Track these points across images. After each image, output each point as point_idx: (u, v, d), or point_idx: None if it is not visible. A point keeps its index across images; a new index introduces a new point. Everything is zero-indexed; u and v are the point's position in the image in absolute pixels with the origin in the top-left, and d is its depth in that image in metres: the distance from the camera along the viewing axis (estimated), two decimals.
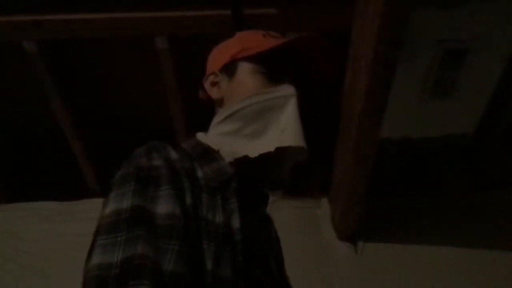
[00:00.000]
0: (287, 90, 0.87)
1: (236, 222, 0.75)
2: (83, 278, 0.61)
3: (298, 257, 1.95)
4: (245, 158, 0.84)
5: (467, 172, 2.21)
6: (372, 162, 1.79)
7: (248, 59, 0.91)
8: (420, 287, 1.98)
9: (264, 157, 0.84)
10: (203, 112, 1.00)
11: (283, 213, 2.10)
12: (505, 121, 2.02)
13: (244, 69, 0.91)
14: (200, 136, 0.92)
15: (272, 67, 0.90)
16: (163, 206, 0.67)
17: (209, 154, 0.84)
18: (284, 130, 0.85)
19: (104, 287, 0.59)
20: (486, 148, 2.11)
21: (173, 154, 0.76)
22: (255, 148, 0.85)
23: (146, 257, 0.61)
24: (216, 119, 0.93)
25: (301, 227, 2.16)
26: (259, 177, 0.90)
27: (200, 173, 0.78)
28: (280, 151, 0.85)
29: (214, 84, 0.96)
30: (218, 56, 0.98)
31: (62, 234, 2.13)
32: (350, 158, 1.82)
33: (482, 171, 2.20)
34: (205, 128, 0.95)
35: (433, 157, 2.16)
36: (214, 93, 0.96)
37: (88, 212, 2.10)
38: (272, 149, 0.84)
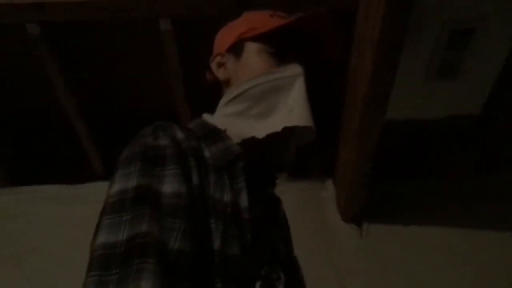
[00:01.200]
0: (295, 69, 0.87)
1: (244, 201, 0.75)
2: (89, 257, 0.62)
3: (303, 239, 1.85)
4: (252, 139, 0.84)
5: (471, 154, 2.19)
6: (376, 144, 1.79)
7: (255, 39, 0.90)
8: (423, 269, 1.98)
9: (272, 138, 0.84)
10: (206, 96, 1.00)
11: (288, 195, 2.05)
12: (511, 102, 2.00)
13: (251, 49, 0.91)
14: (207, 117, 0.92)
15: (279, 47, 0.89)
16: (169, 185, 0.67)
17: (216, 134, 0.84)
18: (291, 110, 0.84)
19: (109, 265, 0.59)
20: (491, 130, 2.10)
21: (180, 134, 0.75)
22: (262, 128, 0.84)
23: (151, 235, 0.61)
24: (223, 100, 0.92)
25: (306, 209, 2.16)
26: (266, 158, 0.90)
27: (207, 153, 0.78)
28: (287, 131, 0.85)
29: (220, 64, 0.96)
30: (225, 37, 0.98)
31: (68, 217, 2.14)
32: (354, 141, 1.82)
33: (486, 153, 2.19)
34: (208, 112, 0.95)
35: (438, 139, 2.15)
36: (220, 74, 0.95)
37: (94, 195, 2.11)
38: (279, 129, 0.83)
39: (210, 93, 1.01)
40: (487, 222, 2.08)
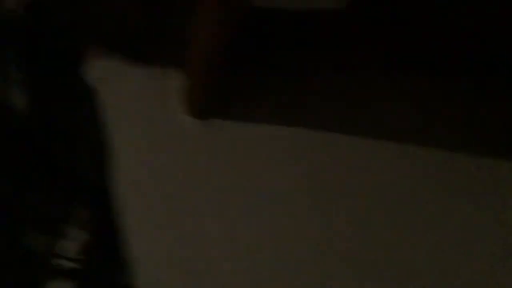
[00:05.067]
0: None
1: (19, 101, 0.48)
2: None
3: (144, 131, 1.80)
4: None
5: (335, 50, 2.11)
6: (232, 33, 1.62)
7: None
8: (266, 165, 1.97)
9: None
10: None
11: (128, 84, 1.86)
12: None
13: None
14: None
15: None
16: None
17: None
18: None
19: None
20: (356, 24, 2.01)
21: None
22: None
23: None
24: None
25: (148, 99, 1.95)
26: (68, 24, 0.60)
27: None
28: None
29: None
30: None
31: None
32: (208, 26, 1.64)
33: (350, 50, 2.11)
34: None
35: (300, 33, 2.03)
36: None
37: None
38: None
39: None
40: (334, 119, 2.09)
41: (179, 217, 1.81)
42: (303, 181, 1.97)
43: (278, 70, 2.12)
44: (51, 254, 0.51)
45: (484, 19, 2.04)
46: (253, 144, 2.00)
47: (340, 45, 2.09)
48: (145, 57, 1.91)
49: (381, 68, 2.14)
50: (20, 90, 0.50)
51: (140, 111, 1.87)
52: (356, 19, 2.00)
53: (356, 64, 2.14)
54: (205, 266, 1.76)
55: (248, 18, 1.66)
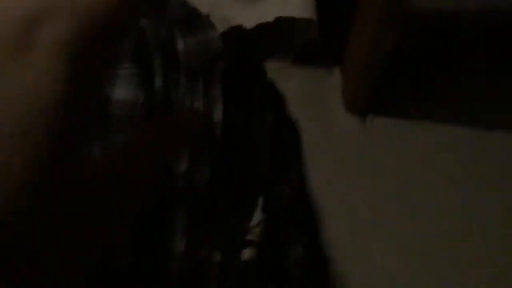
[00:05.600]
0: None
1: (218, 114, 0.59)
2: None
3: (304, 129, 1.84)
4: (238, 28, 0.66)
5: (502, 53, 1.97)
6: (396, 35, 1.60)
7: None
8: (425, 165, 1.92)
9: (262, 29, 0.66)
10: None
11: (290, 83, 1.92)
12: None
13: None
14: None
15: None
16: (122, 90, 0.52)
17: (196, 19, 0.65)
18: None
19: None
20: None
21: (144, 20, 0.58)
22: (252, 15, 0.66)
23: None
24: None
25: (308, 98, 2.01)
26: (254, 53, 0.72)
27: (180, 46, 0.61)
28: (282, 22, 0.67)
29: None
30: None
31: None
32: (371, 27, 1.63)
33: None
34: None
35: (467, 34, 1.93)
36: None
37: None
38: (270, 19, 0.65)
39: None
40: (499, 122, 1.96)
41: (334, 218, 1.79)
42: (459, 181, 1.88)
43: (442, 70, 2.04)
44: (244, 232, 0.63)
45: None
46: (412, 142, 1.95)
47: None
48: (308, 57, 1.98)
49: None
50: (219, 103, 0.61)
51: (301, 109, 1.93)
52: None
53: None
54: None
55: (413, 19, 1.62)
